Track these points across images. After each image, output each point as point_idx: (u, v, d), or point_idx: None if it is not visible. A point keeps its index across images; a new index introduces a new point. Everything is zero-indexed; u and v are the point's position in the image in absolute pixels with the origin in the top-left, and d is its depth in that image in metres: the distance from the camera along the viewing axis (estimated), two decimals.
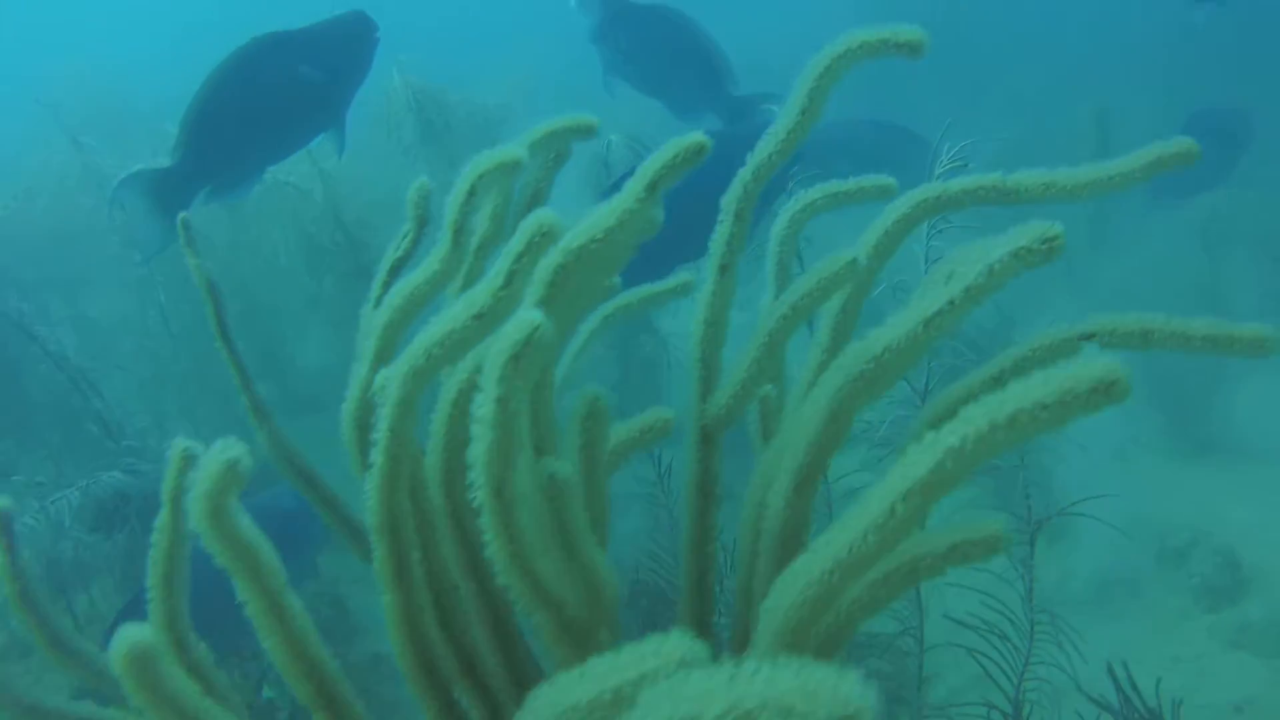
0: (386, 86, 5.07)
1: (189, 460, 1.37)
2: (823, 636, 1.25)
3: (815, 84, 1.73)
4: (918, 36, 1.71)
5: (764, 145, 1.81)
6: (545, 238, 1.34)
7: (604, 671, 0.89)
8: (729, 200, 1.82)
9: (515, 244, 1.37)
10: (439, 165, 4.95)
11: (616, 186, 1.61)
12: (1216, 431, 6.14)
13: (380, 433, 1.34)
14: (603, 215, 1.35)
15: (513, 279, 1.33)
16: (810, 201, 1.99)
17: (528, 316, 1.15)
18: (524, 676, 1.54)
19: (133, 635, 1.10)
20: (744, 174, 1.83)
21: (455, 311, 1.35)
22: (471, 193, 1.58)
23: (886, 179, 2.03)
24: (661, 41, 4.54)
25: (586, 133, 1.89)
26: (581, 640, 1.38)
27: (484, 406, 1.19)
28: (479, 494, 1.23)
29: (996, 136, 4.40)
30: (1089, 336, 1.65)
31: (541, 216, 1.36)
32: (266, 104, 3.53)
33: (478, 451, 1.20)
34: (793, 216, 2.00)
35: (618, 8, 4.62)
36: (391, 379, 1.31)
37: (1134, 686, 2.53)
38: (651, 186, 1.34)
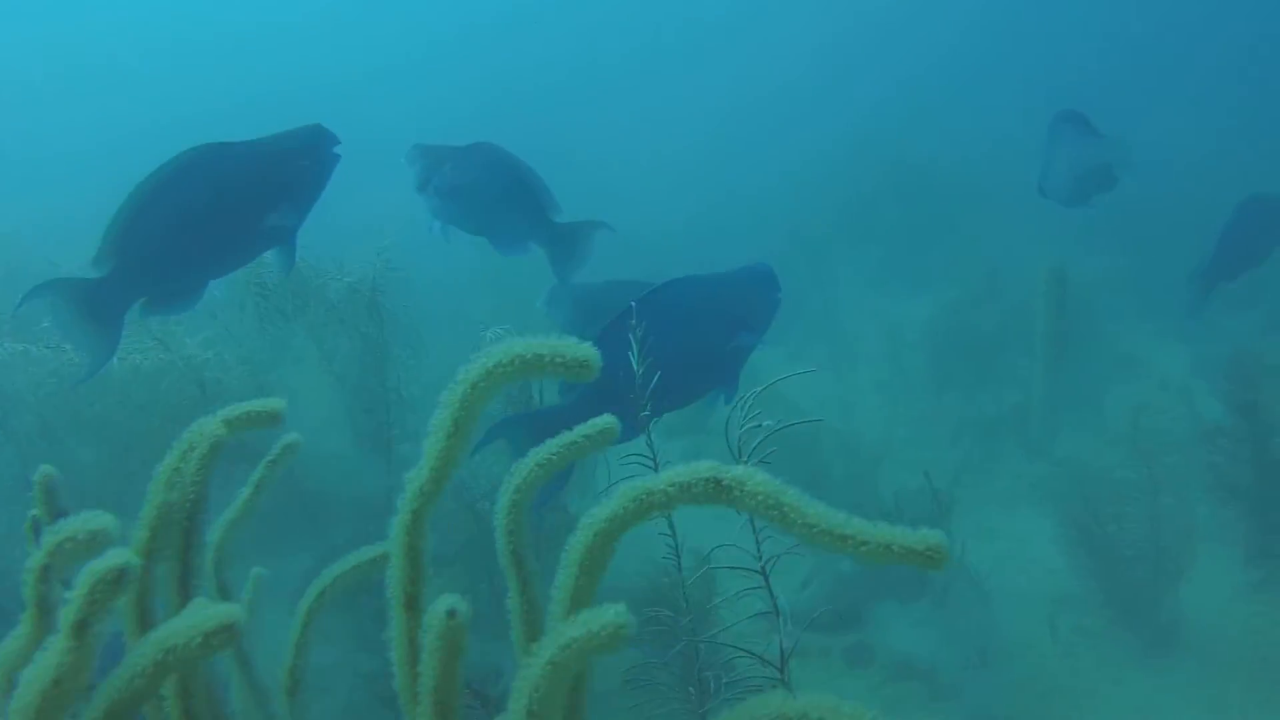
0: None
1: None
2: None
3: (460, 409, 1.69)
4: (586, 356, 1.69)
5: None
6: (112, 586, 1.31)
7: None
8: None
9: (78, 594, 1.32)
10: None
11: None
12: (1165, 627, 5.88)
13: None
14: None
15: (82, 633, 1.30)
16: (522, 480, 1.93)
17: None
18: None
19: None
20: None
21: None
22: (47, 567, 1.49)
23: (607, 422, 1.93)
24: (483, 180, 4.57)
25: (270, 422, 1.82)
26: None
27: None
28: None
29: None
30: (717, 484, 1.62)
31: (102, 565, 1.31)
32: (203, 213, 3.39)
33: None
34: (511, 503, 1.94)
35: (438, 154, 4.71)
36: None
37: None
38: None
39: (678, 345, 3.46)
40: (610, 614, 1.41)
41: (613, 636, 1.39)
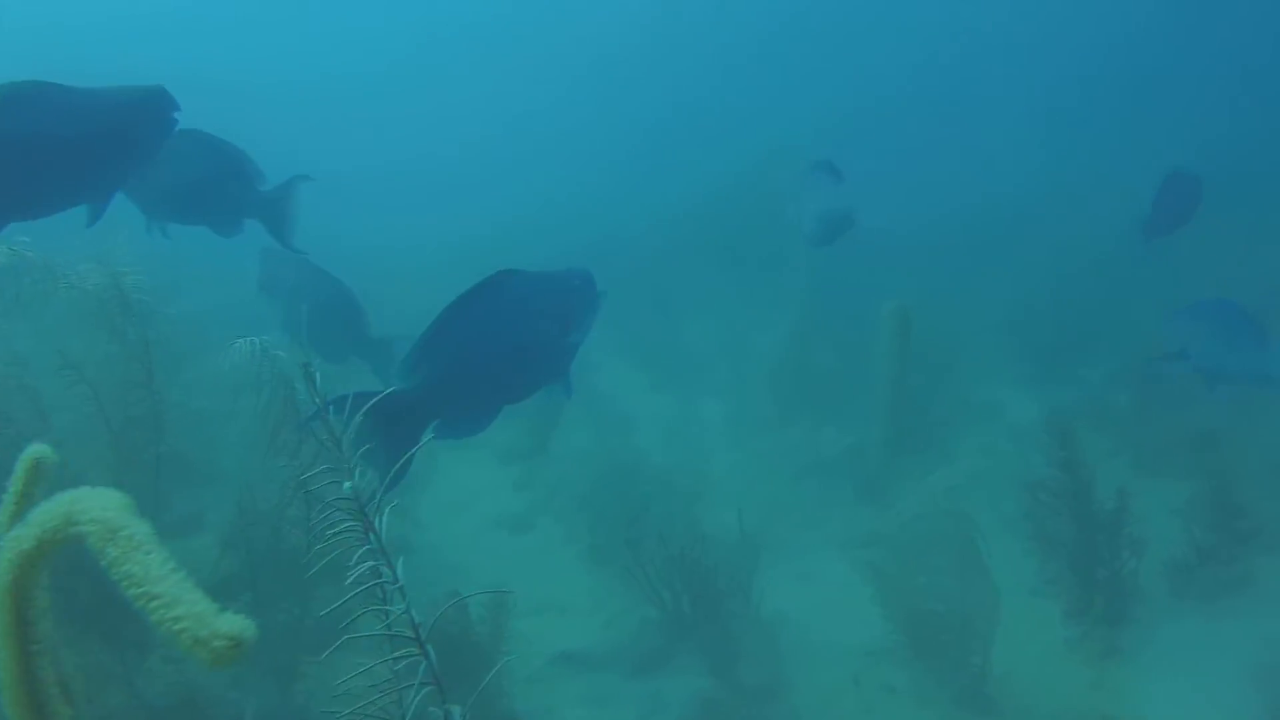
0: None
1: None
2: None
3: None
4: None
5: None
6: None
7: None
8: None
9: None
10: None
11: None
12: (972, 685, 5.62)
13: None
14: None
15: None
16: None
17: None
18: None
19: None
20: None
21: None
22: None
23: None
24: (188, 168, 4.50)
25: None
26: None
27: None
28: None
29: None
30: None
31: None
32: (20, 144, 3.21)
33: None
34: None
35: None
36: None
37: None
38: None
39: (514, 337, 3.52)
40: None
41: None
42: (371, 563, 2.69)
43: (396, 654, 2.43)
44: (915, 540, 5.96)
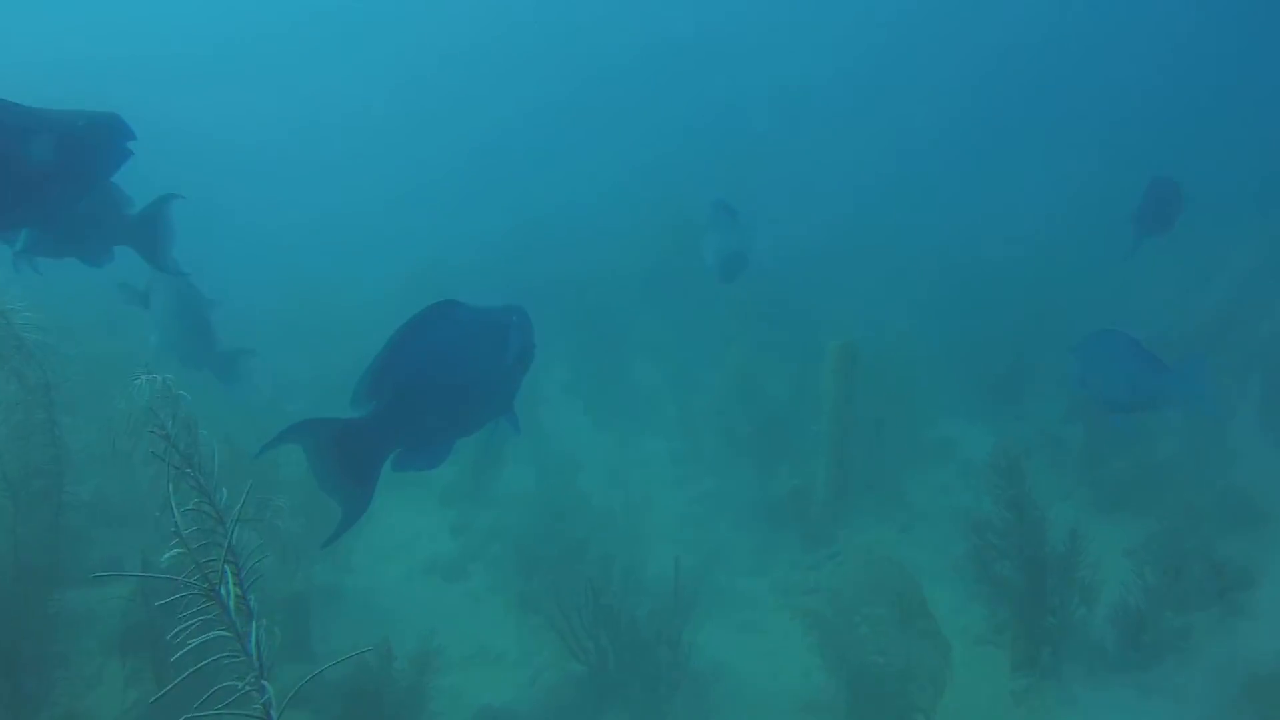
0: None
1: None
2: None
3: None
4: None
5: None
6: None
7: None
8: None
9: None
10: None
11: None
12: None
13: None
14: None
15: None
16: None
17: None
18: None
19: None
20: None
21: None
22: None
23: None
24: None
25: None
26: None
27: None
28: None
29: None
30: None
31: None
32: None
33: None
34: None
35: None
36: None
37: None
38: None
39: (464, 365, 3.45)
40: None
41: None
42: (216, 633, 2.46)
43: None
44: (858, 587, 5.72)
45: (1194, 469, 7.97)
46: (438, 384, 3.37)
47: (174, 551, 2.64)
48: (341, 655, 5.45)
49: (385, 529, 8.09)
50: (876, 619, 5.53)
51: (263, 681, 2.45)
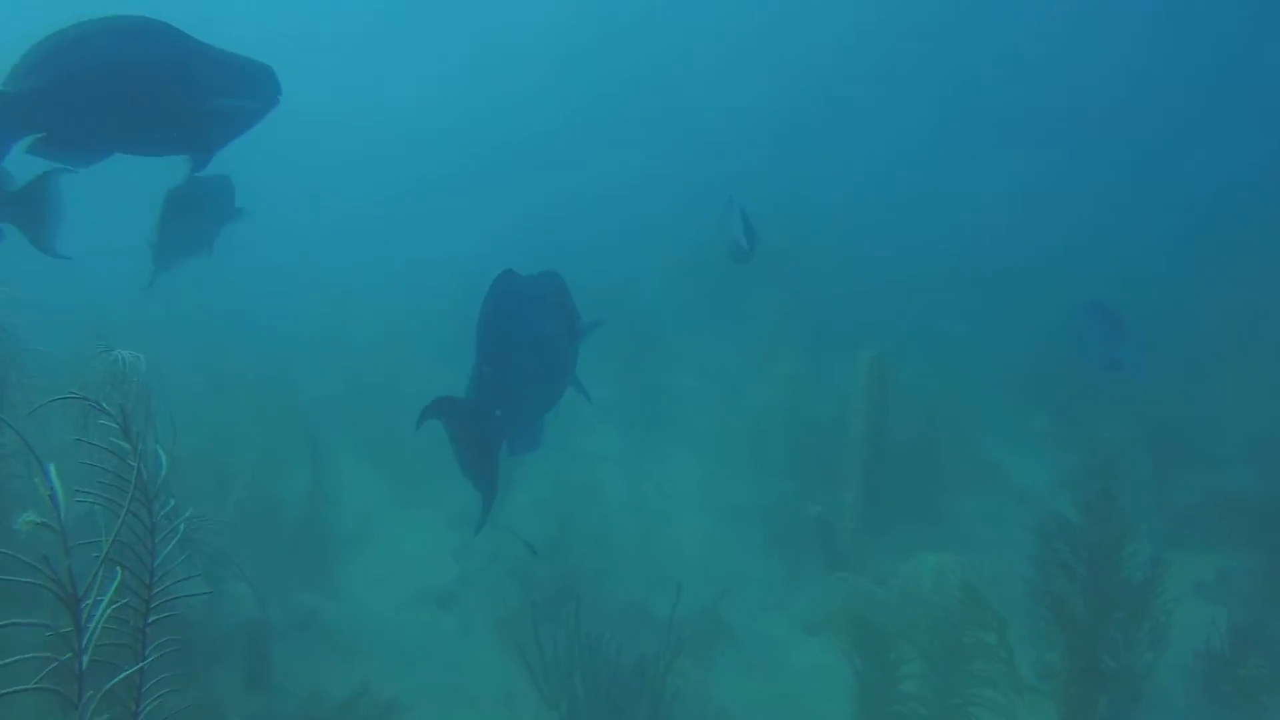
0: None
1: None
2: None
3: None
4: None
5: None
6: None
7: None
8: None
9: None
10: None
11: None
12: None
13: None
14: None
15: None
16: None
17: None
18: None
19: None
20: None
21: None
22: None
23: None
24: None
25: None
26: None
27: None
28: None
29: None
30: None
31: None
32: (137, 78, 3.30)
33: None
34: None
35: None
36: None
37: None
38: None
39: (549, 333, 3.45)
40: None
41: None
42: None
43: None
44: (896, 622, 5.02)
45: (1272, 499, 7.12)
46: (530, 354, 3.33)
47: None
48: (303, 690, 4.86)
49: (384, 551, 7.58)
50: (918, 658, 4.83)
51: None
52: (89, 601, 2.11)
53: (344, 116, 24.93)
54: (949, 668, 4.96)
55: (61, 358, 5.35)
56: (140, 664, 2.18)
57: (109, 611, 2.14)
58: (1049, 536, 5.62)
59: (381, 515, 8.16)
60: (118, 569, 2.19)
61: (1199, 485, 7.37)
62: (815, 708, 5.29)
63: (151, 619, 2.27)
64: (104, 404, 4.22)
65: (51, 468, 2.19)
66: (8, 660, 2.01)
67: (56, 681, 2.09)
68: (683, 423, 9.57)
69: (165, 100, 3.39)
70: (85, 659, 2.09)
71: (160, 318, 10.49)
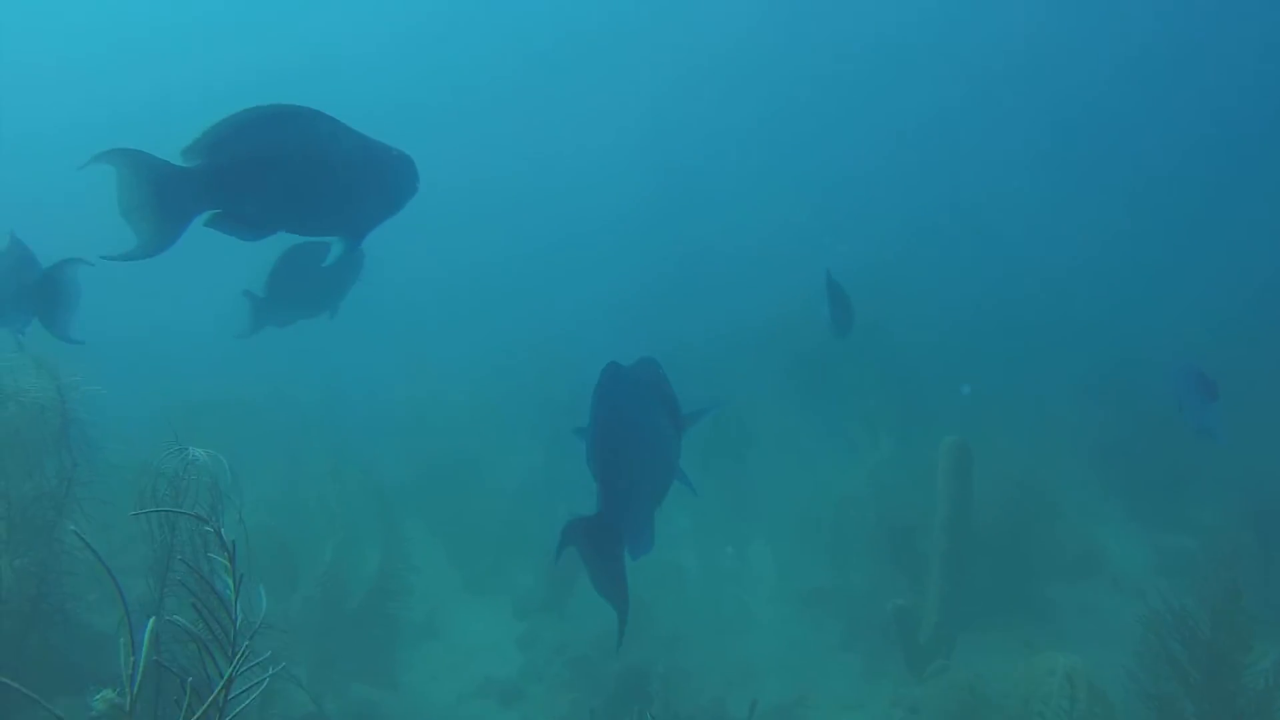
0: None
1: None
2: None
3: None
4: None
5: None
6: None
7: None
8: None
9: None
10: None
11: None
12: None
13: None
14: None
15: None
16: None
17: None
18: None
19: None
20: None
21: None
22: None
23: None
24: None
25: None
26: None
27: None
28: None
29: None
30: None
31: None
32: (304, 163, 3.49)
33: None
34: None
35: None
36: None
37: None
38: None
39: (655, 437, 3.37)
40: None
41: None
42: None
43: None
44: None
45: None
46: (644, 457, 3.25)
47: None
48: None
49: (450, 641, 7.42)
50: None
51: None
52: None
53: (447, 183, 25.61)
54: None
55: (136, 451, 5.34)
56: None
57: None
58: (1162, 633, 5.21)
59: (451, 602, 8.02)
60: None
61: None
62: None
63: None
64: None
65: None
66: None
67: None
68: (762, 504, 9.27)
69: (331, 187, 3.59)
70: None
71: (244, 398, 10.68)
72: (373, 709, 5.90)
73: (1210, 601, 5.13)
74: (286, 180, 3.48)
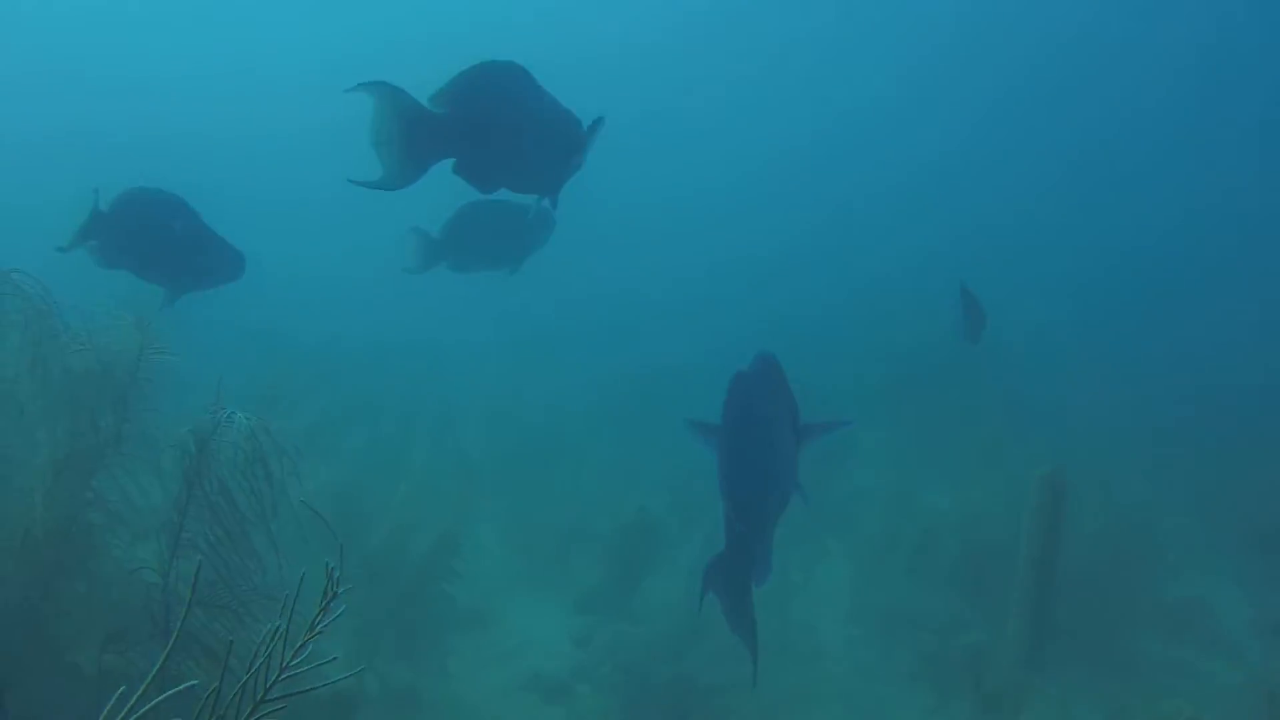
0: None
1: None
2: None
3: None
4: None
5: None
6: None
7: None
8: None
9: None
10: None
11: None
12: None
13: None
14: None
15: None
16: None
17: None
18: None
19: None
20: None
21: None
22: None
23: None
24: None
25: None
26: None
27: None
28: None
29: None
30: None
31: None
32: (517, 120, 3.61)
33: None
34: None
35: None
36: None
37: None
38: None
39: (780, 457, 3.23)
40: None
41: None
42: None
43: None
44: None
45: None
46: (771, 482, 3.14)
47: None
48: None
49: (504, 631, 7.25)
50: None
51: None
52: None
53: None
54: None
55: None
56: None
57: None
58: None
59: (513, 591, 7.85)
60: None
61: None
62: None
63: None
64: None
65: None
66: None
67: None
68: (845, 520, 8.89)
69: (546, 148, 3.71)
70: None
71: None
72: (416, 693, 5.76)
73: None
74: (508, 139, 3.60)
